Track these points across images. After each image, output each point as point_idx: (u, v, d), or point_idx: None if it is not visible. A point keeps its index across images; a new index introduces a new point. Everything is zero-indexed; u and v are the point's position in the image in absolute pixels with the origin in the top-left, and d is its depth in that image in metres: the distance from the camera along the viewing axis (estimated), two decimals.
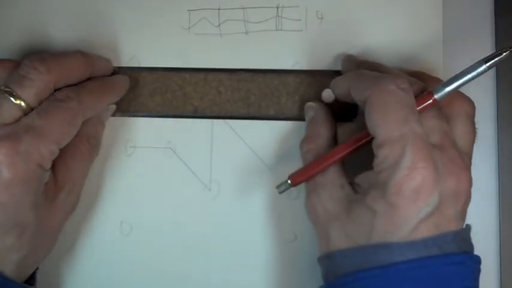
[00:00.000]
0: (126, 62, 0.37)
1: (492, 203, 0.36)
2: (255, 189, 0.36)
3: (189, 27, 0.37)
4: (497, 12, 0.36)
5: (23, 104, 0.30)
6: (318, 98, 0.35)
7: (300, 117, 0.36)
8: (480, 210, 0.36)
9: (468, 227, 0.29)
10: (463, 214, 0.28)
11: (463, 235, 0.28)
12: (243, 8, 0.36)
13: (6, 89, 0.30)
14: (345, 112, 0.35)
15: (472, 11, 0.35)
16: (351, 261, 0.28)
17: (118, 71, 0.36)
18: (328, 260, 0.30)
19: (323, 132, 0.33)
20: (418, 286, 0.26)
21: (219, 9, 0.36)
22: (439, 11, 0.36)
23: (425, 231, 0.27)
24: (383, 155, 0.27)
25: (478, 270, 0.28)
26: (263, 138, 0.36)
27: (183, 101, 0.36)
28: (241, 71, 0.36)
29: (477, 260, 0.28)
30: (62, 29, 0.37)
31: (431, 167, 0.26)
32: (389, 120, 0.27)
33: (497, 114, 0.36)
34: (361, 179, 0.30)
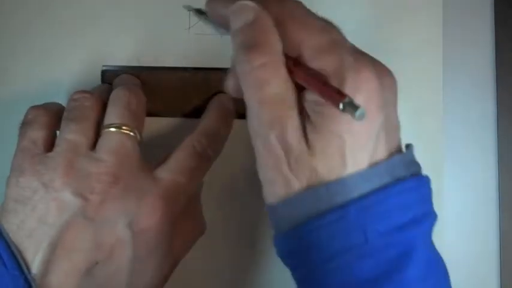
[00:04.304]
0: (126, 62, 0.37)
1: (492, 203, 0.36)
2: (255, 189, 0.36)
3: (189, 27, 0.37)
4: (497, 12, 0.37)
5: (138, 137, 0.30)
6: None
7: None
8: (480, 210, 0.36)
9: (411, 146, 0.27)
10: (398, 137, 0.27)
11: (409, 156, 0.27)
12: None
13: (126, 128, 0.30)
14: None
15: (472, 10, 0.35)
16: (304, 206, 0.25)
17: (119, 70, 0.36)
18: (283, 207, 0.26)
19: (275, 40, 0.26)
20: (376, 224, 0.25)
21: None
22: (439, 11, 0.36)
23: (374, 159, 0.25)
24: (321, 66, 0.25)
25: (430, 191, 0.27)
26: None
27: (183, 101, 0.36)
28: None
29: (428, 180, 0.27)
30: (62, 30, 0.37)
31: (374, 77, 0.25)
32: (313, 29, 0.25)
33: (497, 114, 0.36)
34: (306, 101, 0.26)
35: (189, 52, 0.36)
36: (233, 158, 0.36)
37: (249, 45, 0.25)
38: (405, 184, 0.25)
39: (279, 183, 0.26)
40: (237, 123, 0.35)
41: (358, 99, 0.24)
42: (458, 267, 0.35)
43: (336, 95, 0.24)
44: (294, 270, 0.27)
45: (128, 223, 0.28)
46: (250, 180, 0.36)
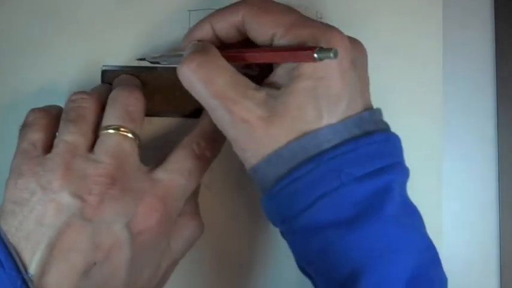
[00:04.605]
0: (126, 62, 0.37)
1: (492, 203, 0.36)
2: (255, 189, 0.36)
3: (189, 27, 0.36)
4: (497, 12, 0.36)
5: (137, 138, 0.31)
6: None
7: None
8: (480, 210, 0.36)
9: (379, 109, 0.30)
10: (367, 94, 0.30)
11: (378, 115, 0.29)
12: None
13: (124, 129, 0.30)
14: None
15: (471, 10, 0.35)
16: (282, 163, 0.28)
17: (119, 70, 0.36)
18: (263, 166, 0.28)
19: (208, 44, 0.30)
20: (350, 169, 0.27)
21: None
22: (439, 9, 0.36)
23: (346, 113, 0.28)
24: (296, 37, 0.28)
25: (400, 148, 0.29)
26: None
27: (183, 101, 0.36)
28: None
29: (397, 139, 0.29)
30: (62, 30, 0.37)
31: (345, 37, 0.28)
32: (279, 12, 0.29)
33: (497, 114, 0.36)
34: (276, 75, 0.29)
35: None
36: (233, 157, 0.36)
37: (187, 55, 0.29)
38: (374, 137, 0.28)
39: (254, 149, 0.28)
40: None
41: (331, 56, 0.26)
42: (458, 267, 0.35)
43: (309, 50, 0.26)
44: (280, 225, 0.30)
45: (126, 224, 0.29)
46: (251, 179, 0.36)
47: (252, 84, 0.29)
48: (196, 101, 0.36)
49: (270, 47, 0.29)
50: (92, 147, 0.30)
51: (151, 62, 0.35)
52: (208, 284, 0.36)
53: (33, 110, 0.32)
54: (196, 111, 0.36)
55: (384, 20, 0.36)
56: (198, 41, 0.31)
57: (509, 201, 0.36)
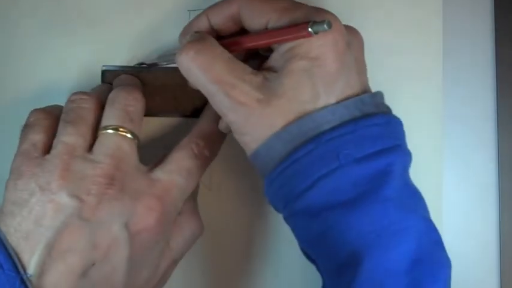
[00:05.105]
0: (126, 62, 0.37)
1: (492, 203, 0.36)
2: (255, 190, 0.36)
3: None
4: (497, 11, 0.36)
5: (136, 139, 0.30)
6: None
7: None
8: (480, 210, 0.36)
9: (380, 92, 0.30)
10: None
11: (379, 98, 0.29)
12: None
13: (123, 130, 0.30)
14: None
15: (471, 10, 0.35)
16: (281, 146, 0.28)
17: (119, 70, 0.36)
18: (263, 150, 0.29)
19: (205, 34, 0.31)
20: (349, 151, 0.27)
21: None
22: (439, 9, 0.36)
23: (344, 94, 0.28)
24: (290, 20, 0.28)
25: (402, 131, 0.29)
26: None
27: (183, 101, 0.36)
28: None
29: (399, 122, 0.29)
30: (62, 30, 0.37)
31: (338, 20, 0.28)
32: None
33: (497, 114, 0.36)
34: (273, 59, 0.30)
35: None
36: (233, 157, 0.36)
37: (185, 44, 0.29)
38: (374, 119, 0.28)
39: (254, 133, 0.29)
40: None
41: (326, 38, 0.27)
42: (458, 267, 0.35)
43: (302, 26, 0.27)
44: (282, 210, 0.30)
45: (125, 224, 0.29)
46: (251, 179, 0.36)
47: (250, 69, 0.29)
48: (196, 101, 0.36)
49: (265, 30, 0.30)
50: (90, 148, 0.30)
51: (150, 65, 0.35)
52: (208, 283, 0.36)
53: (35, 111, 0.32)
54: (196, 111, 0.36)
55: (383, 20, 0.36)
56: (196, 32, 0.31)
57: (510, 201, 0.36)
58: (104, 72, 0.37)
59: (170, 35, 0.37)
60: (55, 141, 0.30)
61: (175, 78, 0.36)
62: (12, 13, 0.37)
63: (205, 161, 0.32)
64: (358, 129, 0.27)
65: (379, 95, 0.30)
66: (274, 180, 0.29)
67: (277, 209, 0.30)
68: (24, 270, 0.27)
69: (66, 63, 0.37)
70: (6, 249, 0.27)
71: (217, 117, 0.34)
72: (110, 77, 0.36)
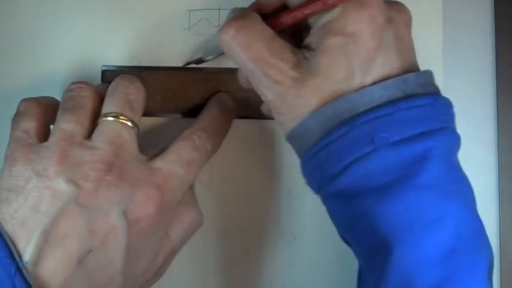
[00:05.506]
0: (126, 62, 0.37)
1: (492, 203, 0.36)
2: (255, 189, 0.36)
3: (189, 27, 0.37)
4: (497, 12, 0.37)
5: (136, 128, 0.30)
6: None
7: None
8: (480, 210, 0.36)
9: (429, 71, 0.28)
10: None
11: (427, 77, 0.28)
12: None
13: (123, 118, 0.30)
14: None
15: (471, 10, 0.35)
16: (316, 126, 0.27)
17: (119, 70, 0.36)
18: (299, 131, 0.28)
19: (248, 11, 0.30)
20: (385, 134, 0.26)
21: (219, 9, 0.37)
22: (439, 9, 0.36)
23: (382, 74, 0.27)
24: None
25: (451, 113, 0.28)
26: (263, 137, 0.36)
27: (183, 101, 0.36)
28: None
29: (445, 101, 0.28)
30: (62, 30, 0.37)
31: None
32: None
33: (497, 114, 0.36)
34: (310, 36, 0.29)
35: (189, 52, 0.36)
36: (233, 157, 0.36)
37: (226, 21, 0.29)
38: (417, 101, 0.26)
39: (290, 113, 0.28)
40: (236, 123, 0.35)
41: (362, 12, 0.26)
42: None
43: None
44: (317, 191, 0.29)
45: (123, 211, 0.28)
46: (251, 179, 0.36)
47: (289, 47, 0.28)
48: (196, 101, 0.36)
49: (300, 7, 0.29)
50: (89, 136, 0.29)
51: (197, 63, 0.35)
52: (208, 283, 0.36)
53: (24, 100, 0.31)
54: (196, 110, 0.36)
55: None
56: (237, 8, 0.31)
57: (510, 201, 0.36)
58: (104, 72, 0.36)
59: (170, 35, 0.37)
60: (53, 129, 0.30)
61: (175, 78, 0.36)
62: (12, 13, 0.37)
63: (206, 153, 0.32)
64: (397, 111, 0.26)
65: (426, 75, 0.28)
66: (309, 162, 0.28)
67: (313, 190, 0.30)
68: (20, 257, 0.26)
69: (66, 63, 0.37)
70: (1, 236, 0.27)
71: (220, 113, 0.34)
72: (110, 77, 0.36)
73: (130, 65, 0.36)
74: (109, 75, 0.36)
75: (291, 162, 0.36)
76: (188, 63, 0.36)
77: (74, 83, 0.31)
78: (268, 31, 0.29)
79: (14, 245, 0.27)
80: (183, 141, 0.31)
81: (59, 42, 0.37)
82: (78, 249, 0.27)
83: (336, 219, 0.29)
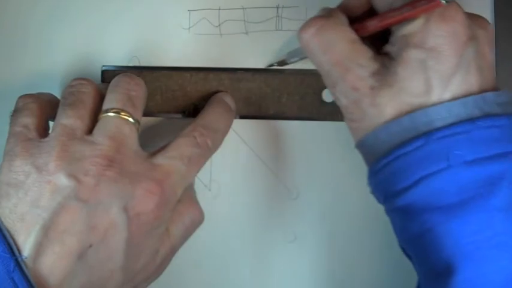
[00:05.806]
0: (126, 62, 0.37)
1: None
2: (255, 189, 0.36)
3: (189, 27, 0.37)
4: (497, 12, 0.37)
5: (137, 124, 0.30)
6: (318, 99, 0.35)
7: (300, 117, 0.36)
8: None
9: (508, 92, 0.27)
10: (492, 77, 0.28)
11: (505, 97, 0.27)
12: (243, 8, 0.36)
13: (125, 113, 0.30)
14: None
15: (471, 10, 0.35)
16: (388, 138, 0.27)
17: (119, 70, 0.36)
18: (370, 140, 0.28)
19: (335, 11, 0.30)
20: (461, 152, 0.25)
21: (219, 9, 0.37)
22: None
23: (460, 90, 0.26)
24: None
25: None
26: (263, 138, 0.36)
27: (183, 101, 0.36)
28: (241, 71, 0.36)
29: None
30: (62, 30, 0.37)
31: (461, 9, 0.27)
32: None
33: None
34: (390, 44, 0.28)
35: (189, 52, 0.36)
36: (232, 157, 0.36)
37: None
38: (496, 121, 0.26)
39: (362, 121, 0.28)
40: (236, 123, 0.35)
41: (444, 27, 0.26)
42: None
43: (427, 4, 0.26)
44: (383, 203, 0.29)
45: (123, 207, 0.28)
46: (251, 179, 0.36)
47: (370, 54, 0.28)
48: (196, 101, 0.36)
49: (385, 14, 0.28)
50: (90, 132, 0.29)
51: (280, 64, 0.35)
52: (208, 283, 0.36)
53: (23, 96, 0.31)
54: (197, 111, 0.36)
55: None
56: (325, 8, 0.31)
57: None
58: (104, 72, 0.37)
59: (170, 35, 0.37)
60: (54, 125, 0.29)
61: (175, 78, 0.36)
62: (12, 13, 0.37)
63: (207, 151, 0.32)
64: (475, 129, 0.25)
65: (505, 94, 0.27)
66: (377, 173, 0.28)
67: (378, 201, 0.29)
68: (20, 252, 0.26)
69: (66, 63, 0.37)
70: (1, 230, 0.26)
71: (221, 111, 0.34)
72: (109, 77, 0.36)
73: (130, 65, 0.37)
74: (109, 75, 0.36)
75: (291, 162, 0.36)
76: (271, 65, 0.36)
77: (75, 79, 0.31)
78: (352, 35, 0.28)
79: (14, 240, 0.26)
80: (185, 138, 0.31)
81: (59, 42, 0.37)
82: (78, 244, 0.27)
83: (398, 233, 0.29)
